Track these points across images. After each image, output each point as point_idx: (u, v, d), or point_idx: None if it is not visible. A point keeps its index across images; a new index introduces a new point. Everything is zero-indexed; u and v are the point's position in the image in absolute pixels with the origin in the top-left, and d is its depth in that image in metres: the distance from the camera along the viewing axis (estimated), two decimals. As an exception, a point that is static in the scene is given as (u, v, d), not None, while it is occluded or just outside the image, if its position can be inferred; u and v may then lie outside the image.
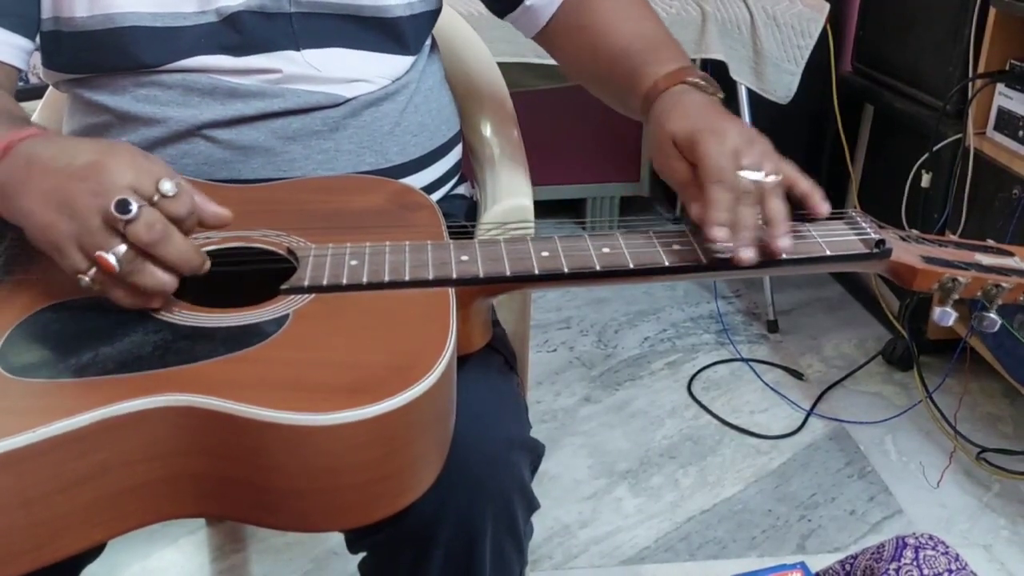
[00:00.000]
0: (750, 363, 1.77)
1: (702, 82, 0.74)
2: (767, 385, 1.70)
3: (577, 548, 1.31)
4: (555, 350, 1.81)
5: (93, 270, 0.56)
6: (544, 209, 2.43)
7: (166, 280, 0.58)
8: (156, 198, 0.56)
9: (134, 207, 0.55)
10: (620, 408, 1.63)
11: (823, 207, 0.67)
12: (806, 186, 0.67)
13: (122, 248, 0.56)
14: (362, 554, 0.70)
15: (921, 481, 1.45)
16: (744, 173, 0.64)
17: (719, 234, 0.63)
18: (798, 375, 1.73)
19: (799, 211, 0.68)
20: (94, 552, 0.69)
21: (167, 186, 0.57)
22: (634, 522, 1.37)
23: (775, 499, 1.42)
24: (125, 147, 0.60)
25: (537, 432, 0.72)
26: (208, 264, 0.60)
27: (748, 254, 0.63)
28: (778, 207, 0.65)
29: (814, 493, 1.43)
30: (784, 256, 0.65)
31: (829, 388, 1.69)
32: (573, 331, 1.88)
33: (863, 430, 1.58)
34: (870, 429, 1.58)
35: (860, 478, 1.46)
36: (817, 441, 1.56)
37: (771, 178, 0.65)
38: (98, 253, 0.55)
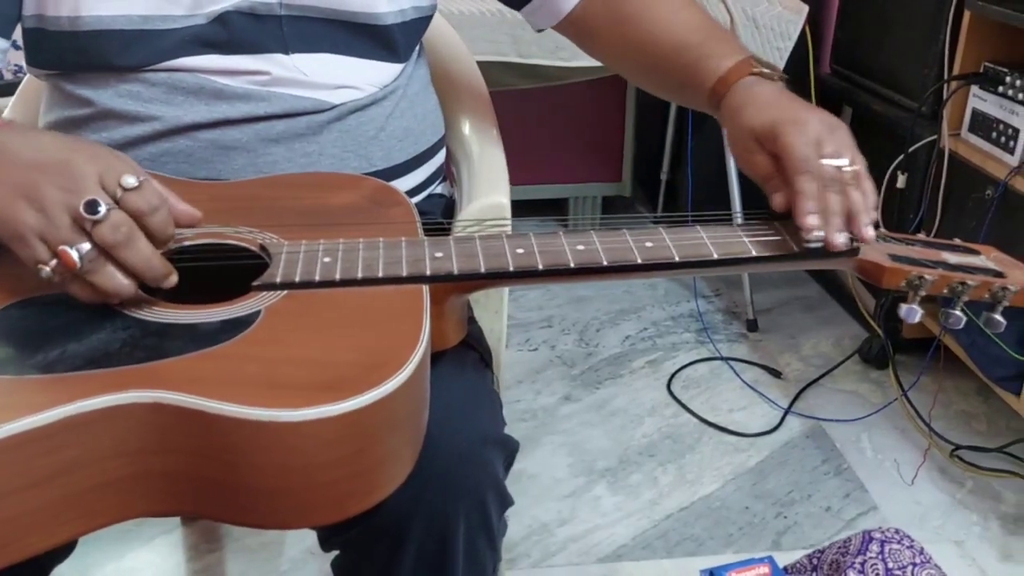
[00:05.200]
0: (729, 362, 1.78)
1: (768, 71, 0.74)
2: (746, 383, 1.71)
3: (555, 546, 1.32)
4: (536, 349, 1.82)
5: (54, 262, 0.56)
6: (527, 208, 2.44)
7: (124, 284, 0.58)
8: (119, 193, 0.56)
9: (103, 208, 0.55)
10: (600, 406, 1.64)
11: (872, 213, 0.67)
12: (867, 186, 0.68)
13: (86, 246, 0.56)
14: (335, 552, 0.70)
15: (896, 478, 1.47)
16: (826, 161, 0.65)
17: (812, 222, 0.64)
18: (776, 373, 1.75)
19: (766, 210, 0.69)
20: (64, 551, 0.69)
21: (129, 180, 0.57)
22: (612, 520, 1.37)
23: (752, 496, 1.43)
24: (92, 144, 0.60)
25: (517, 431, 0.72)
26: (174, 278, 0.60)
27: (841, 239, 0.65)
28: (857, 198, 0.66)
29: (791, 490, 1.44)
30: (755, 254, 0.66)
31: (807, 386, 1.70)
32: (555, 330, 1.89)
33: (839, 428, 1.59)
34: (846, 427, 1.59)
35: (836, 475, 1.48)
36: (794, 439, 1.57)
37: (852, 167, 0.66)
38: (61, 248, 0.56)
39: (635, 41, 0.84)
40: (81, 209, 0.55)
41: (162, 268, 0.59)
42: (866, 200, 0.67)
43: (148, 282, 0.59)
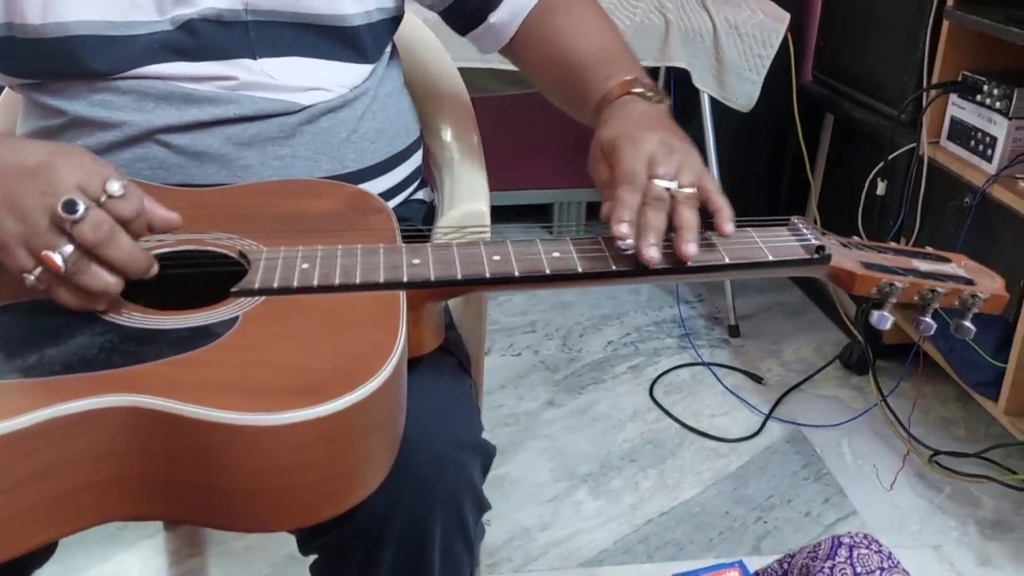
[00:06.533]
0: (711, 367, 1.79)
1: (647, 92, 0.76)
2: (727, 389, 1.73)
3: (537, 551, 1.32)
4: (519, 354, 1.82)
5: (39, 269, 0.56)
6: (512, 213, 2.44)
7: (111, 281, 0.58)
8: (103, 199, 0.57)
9: (81, 207, 0.56)
10: (583, 411, 1.65)
11: (727, 227, 0.67)
12: (719, 202, 0.68)
13: (68, 248, 0.56)
14: (313, 556, 0.71)
15: (875, 483, 1.48)
16: (657, 181, 0.66)
17: (621, 230, 0.64)
18: (758, 379, 1.76)
19: (743, 218, 0.70)
20: (44, 554, 0.69)
21: (115, 186, 0.57)
22: (593, 525, 1.38)
23: (732, 501, 1.44)
24: (75, 149, 0.60)
25: (499, 435, 0.72)
26: (156, 268, 0.60)
27: (651, 253, 0.64)
28: (687, 216, 0.66)
29: (771, 495, 1.45)
30: (728, 261, 0.67)
31: (788, 392, 1.71)
32: (538, 335, 1.90)
33: (820, 433, 1.60)
34: (826, 432, 1.61)
35: (816, 480, 1.49)
36: (775, 444, 1.58)
37: (684, 190, 0.66)
38: (44, 252, 0.56)
39: (547, 62, 0.88)
40: (59, 209, 0.55)
41: (146, 260, 0.60)
42: (696, 221, 0.66)
43: (133, 275, 0.59)
